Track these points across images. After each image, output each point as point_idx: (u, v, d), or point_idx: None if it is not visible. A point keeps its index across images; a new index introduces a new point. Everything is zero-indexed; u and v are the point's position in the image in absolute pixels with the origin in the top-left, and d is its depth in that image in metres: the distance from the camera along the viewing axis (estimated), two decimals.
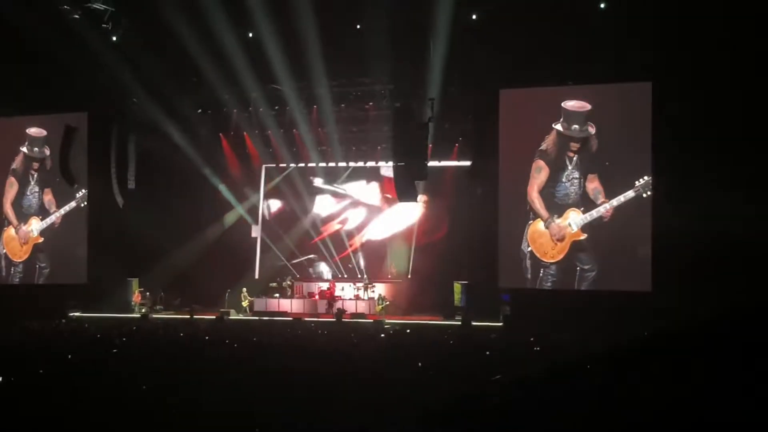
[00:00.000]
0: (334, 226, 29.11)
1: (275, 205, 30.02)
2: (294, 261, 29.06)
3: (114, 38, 24.98)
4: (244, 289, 27.31)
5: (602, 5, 22.42)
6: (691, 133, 21.41)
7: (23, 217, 29.12)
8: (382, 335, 17.45)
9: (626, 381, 7.93)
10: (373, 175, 28.99)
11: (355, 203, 29.12)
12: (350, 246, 28.76)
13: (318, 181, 29.43)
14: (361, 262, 28.61)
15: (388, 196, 28.32)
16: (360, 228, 28.84)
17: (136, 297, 27.59)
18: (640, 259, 22.69)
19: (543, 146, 23.93)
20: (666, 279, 21.89)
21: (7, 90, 26.48)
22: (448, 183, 27.52)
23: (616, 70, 22.93)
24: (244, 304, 26.90)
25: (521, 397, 7.59)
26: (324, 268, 29.22)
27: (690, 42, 20.80)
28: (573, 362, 10.18)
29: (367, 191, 29.10)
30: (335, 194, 29.29)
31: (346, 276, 28.58)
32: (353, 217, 29.07)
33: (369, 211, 28.89)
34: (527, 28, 22.16)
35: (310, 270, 29.21)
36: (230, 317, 23.96)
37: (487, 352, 12.97)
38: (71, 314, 25.18)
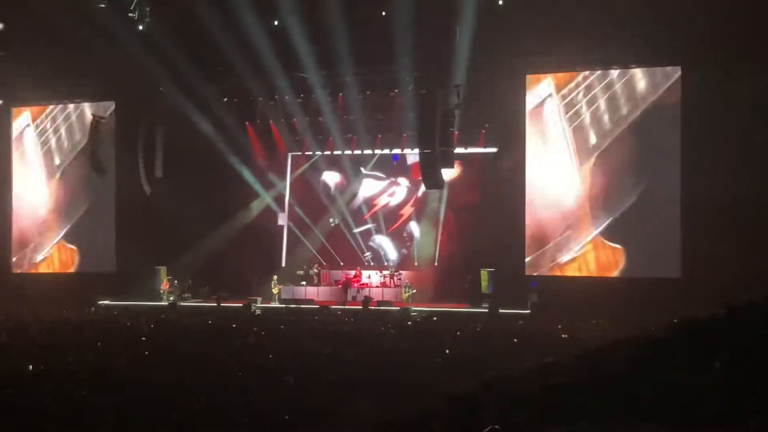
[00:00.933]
0: (383, 200, 29.02)
1: (302, 191, 30.00)
2: (358, 229, 28.87)
3: (140, 27, 25.05)
4: (275, 277, 27.40)
5: None
6: (721, 118, 21.23)
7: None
8: (409, 323, 17.47)
9: (655, 368, 7.86)
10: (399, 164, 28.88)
11: (395, 183, 29.03)
12: (400, 216, 28.70)
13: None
14: (389, 250, 28.57)
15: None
16: (403, 204, 28.83)
17: (164, 285, 27.72)
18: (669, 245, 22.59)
19: None
20: (695, 265, 21.77)
21: (35, 79, 26.67)
22: (476, 165, 27.40)
23: (645, 54, 22.78)
24: (275, 291, 26.97)
25: (548, 385, 7.55)
26: (382, 240, 29.03)
27: (720, 25, 20.60)
28: (601, 349, 10.13)
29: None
30: (377, 177, 29.21)
31: (371, 262, 28.59)
32: (398, 193, 29.00)
33: (408, 191, 28.79)
34: (553, 13, 22.02)
35: (370, 243, 29.04)
36: (257, 305, 24.00)
37: (515, 339, 12.96)
38: (100, 302, 25.36)
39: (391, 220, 28.93)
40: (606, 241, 23.60)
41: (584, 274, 23.74)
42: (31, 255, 29.94)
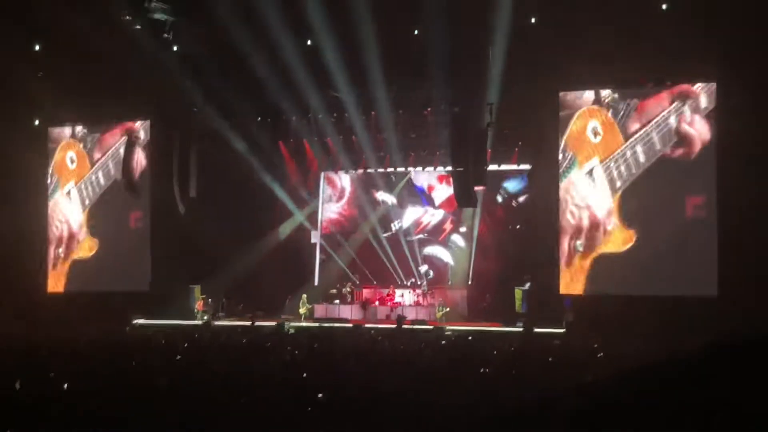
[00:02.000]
0: (426, 219, 29.06)
1: (335, 210, 30.05)
2: (417, 237, 28.80)
3: (175, 48, 25.30)
4: (304, 296, 27.41)
5: (664, 6, 22.04)
6: (759, 134, 20.99)
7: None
8: (443, 342, 17.37)
9: (692, 389, 7.74)
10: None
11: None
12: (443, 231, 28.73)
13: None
14: (422, 268, 28.49)
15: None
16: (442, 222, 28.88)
17: (198, 304, 27.80)
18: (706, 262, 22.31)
19: None
20: (732, 284, 21.50)
21: (72, 100, 26.98)
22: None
23: (679, 70, 22.63)
24: (302, 311, 26.98)
25: (586, 405, 7.45)
26: (437, 249, 28.96)
27: (754, 40, 20.43)
28: (638, 369, 9.99)
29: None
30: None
31: (410, 282, 28.52)
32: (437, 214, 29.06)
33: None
34: (586, 30, 21.95)
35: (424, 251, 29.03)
36: (291, 324, 23.99)
37: (550, 359, 12.83)
38: (135, 321, 25.48)
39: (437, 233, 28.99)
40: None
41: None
42: (65, 275, 30.16)
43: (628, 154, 23.69)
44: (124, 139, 28.55)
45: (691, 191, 23.21)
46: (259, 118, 28.00)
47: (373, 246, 29.02)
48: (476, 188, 23.50)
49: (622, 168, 23.72)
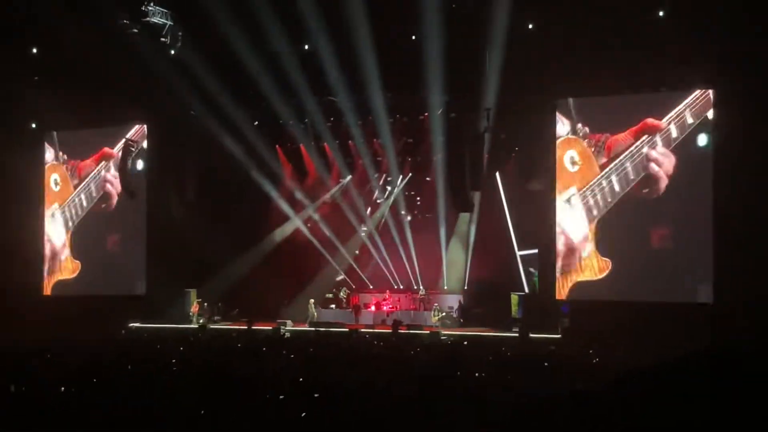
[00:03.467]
0: None
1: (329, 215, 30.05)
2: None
3: (172, 52, 25.32)
4: (312, 300, 27.48)
5: (660, 13, 22.09)
6: (756, 142, 21.03)
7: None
8: (439, 346, 17.37)
9: (689, 397, 7.75)
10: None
11: None
12: None
13: None
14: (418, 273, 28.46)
15: None
16: None
17: (194, 308, 27.80)
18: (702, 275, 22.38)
19: None
20: (728, 290, 21.54)
21: (69, 104, 26.99)
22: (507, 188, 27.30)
23: (675, 77, 22.67)
24: (311, 312, 27.09)
25: (582, 411, 7.46)
26: None
27: (750, 47, 20.47)
28: (633, 375, 10.01)
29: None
30: None
31: (401, 287, 28.52)
32: None
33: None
34: (583, 36, 22.00)
35: None
36: (286, 328, 23.98)
37: (546, 364, 12.83)
38: (130, 325, 25.47)
39: None
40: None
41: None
42: (60, 277, 30.15)
43: (604, 183, 23.87)
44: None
45: (657, 223, 23.38)
46: (256, 123, 28.01)
47: (370, 250, 29.00)
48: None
49: (599, 197, 23.94)
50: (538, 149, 25.05)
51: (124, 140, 28.23)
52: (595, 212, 23.93)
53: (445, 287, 28.12)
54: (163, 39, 25.02)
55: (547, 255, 24.60)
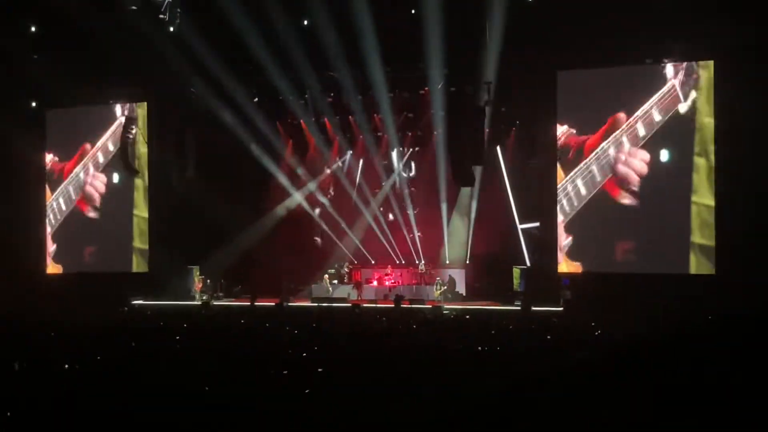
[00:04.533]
0: None
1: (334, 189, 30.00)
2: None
3: (171, 29, 25.21)
4: (326, 276, 27.59)
5: None
6: (756, 112, 21.02)
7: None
8: (441, 320, 17.42)
9: (690, 366, 7.79)
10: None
11: None
12: None
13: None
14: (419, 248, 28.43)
15: None
16: None
17: (197, 285, 27.86)
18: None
19: None
20: (730, 263, 21.61)
21: (68, 81, 26.93)
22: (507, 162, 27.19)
23: (677, 48, 22.61)
24: (329, 286, 27.26)
25: (582, 382, 7.51)
26: None
27: (753, 18, 20.40)
28: (634, 347, 10.05)
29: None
30: None
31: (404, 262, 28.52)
32: None
33: None
34: (584, 7, 21.90)
35: None
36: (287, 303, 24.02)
37: (548, 336, 12.87)
38: (133, 302, 25.54)
39: None
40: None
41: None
42: (64, 255, 30.20)
43: (569, 187, 24.00)
44: (122, 120, 28.59)
45: (621, 236, 23.61)
46: (256, 99, 27.93)
47: (372, 225, 28.98)
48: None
49: (564, 202, 24.33)
50: (539, 123, 25.00)
51: (124, 117, 28.21)
52: (561, 218, 24.24)
53: (447, 262, 28.11)
54: (162, 16, 24.89)
55: (549, 228, 24.62)
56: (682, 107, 22.84)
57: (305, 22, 24.59)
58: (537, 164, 25.29)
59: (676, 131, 22.95)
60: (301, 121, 28.85)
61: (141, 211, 29.03)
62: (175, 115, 28.57)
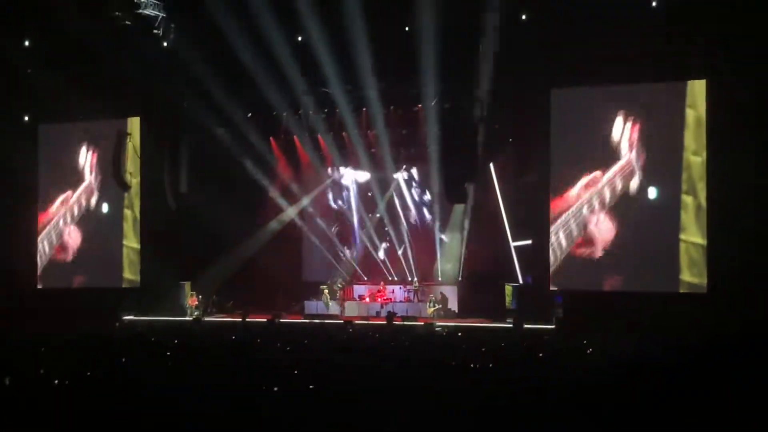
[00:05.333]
0: None
1: (326, 206, 30.02)
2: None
3: (165, 44, 25.25)
4: (325, 289, 27.50)
5: (654, 3, 22.06)
6: (747, 131, 21.09)
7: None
8: (433, 338, 17.38)
9: (683, 385, 7.78)
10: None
11: None
12: None
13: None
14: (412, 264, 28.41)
15: None
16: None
17: (191, 301, 27.74)
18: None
19: None
20: (721, 281, 21.61)
21: (61, 96, 26.93)
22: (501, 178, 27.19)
23: (669, 68, 22.68)
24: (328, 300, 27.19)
25: (573, 399, 7.49)
26: None
27: (745, 37, 20.52)
28: (627, 366, 10.03)
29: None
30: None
31: (396, 278, 28.49)
32: None
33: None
34: (577, 26, 21.99)
35: None
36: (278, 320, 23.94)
37: (540, 354, 12.83)
38: (124, 317, 25.46)
39: None
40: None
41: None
42: (55, 270, 30.06)
43: (552, 239, 24.17)
44: (115, 135, 28.52)
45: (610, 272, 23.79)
46: (250, 114, 27.94)
47: (364, 242, 28.99)
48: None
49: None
50: (533, 140, 25.04)
51: (117, 131, 28.18)
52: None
53: (440, 278, 28.08)
54: (156, 31, 24.93)
55: (540, 246, 24.61)
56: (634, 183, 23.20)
57: (299, 38, 24.62)
58: (531, 180, 25.27)
59: (663, 169, 23.07)
60: (295, 137, 28.85)
61: (130, 241, 28.94)
62: (169, 129, 28.56)
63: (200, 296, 27.83)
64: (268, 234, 29.49)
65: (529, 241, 25.34)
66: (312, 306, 27.40)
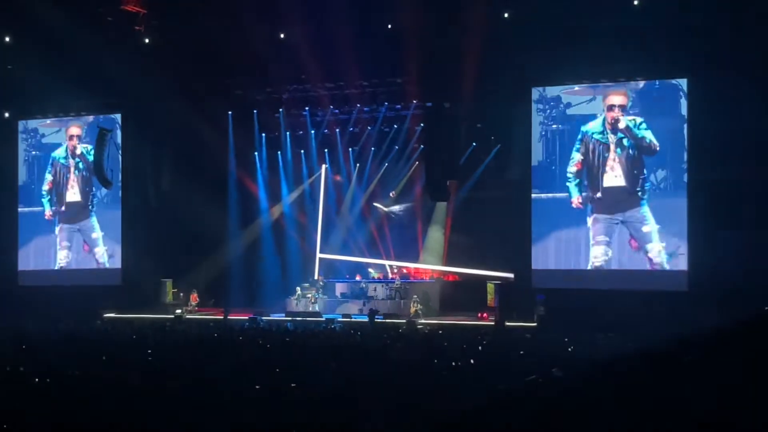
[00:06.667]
0: None
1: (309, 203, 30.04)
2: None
3: (147, 40, 25.14)
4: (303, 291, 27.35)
5: (636, 2, 22.12)
6: (729, 135, 21.29)
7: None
8: (415, 335, 17.42)
9: (663, 384, 7.82)
10: None
11: None
12: None
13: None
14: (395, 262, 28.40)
15: None
16: None
17: (170, 298, 27.56)
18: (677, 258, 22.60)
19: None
20: (701, 281, 21.77)
21: (43, 92, 26.78)
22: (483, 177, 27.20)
23: (651, 67, 22.79)
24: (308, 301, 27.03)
25: (556, 397, 7.52)
26: None
27: (725, 36, 20.67)
28: (608, 363, 10.08)
29: None
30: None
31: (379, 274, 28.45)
32: None
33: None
34: (559, 25, 22.03)
35: None
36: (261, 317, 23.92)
37: (521, 352, 12.89)
38: (106, 315, 25.36)
39: None
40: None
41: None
42: (38, 267, 29.87)
43: None
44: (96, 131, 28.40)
45: None
46: (232, 111, 27.87)
47: (347, 239, 28.99)
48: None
49: None
50: (514, 138, 25.08)
51: (99, 128, 28.02)
52: None
53: (423, 277, 28.07)
54: (137, 27, 24.81)
55: (522, 246, 24.63)
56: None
57: (282, 36, 24.56)
58: (512, 178, 25.32)
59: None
60: (277, 134, 28.79)
61: (113, 238, 28.80)
62: (150, 127, 28.45)
63: (181, 294, 27.65)
64: (252, 231, 29.43)
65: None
66: (297, 303, 27.26)
